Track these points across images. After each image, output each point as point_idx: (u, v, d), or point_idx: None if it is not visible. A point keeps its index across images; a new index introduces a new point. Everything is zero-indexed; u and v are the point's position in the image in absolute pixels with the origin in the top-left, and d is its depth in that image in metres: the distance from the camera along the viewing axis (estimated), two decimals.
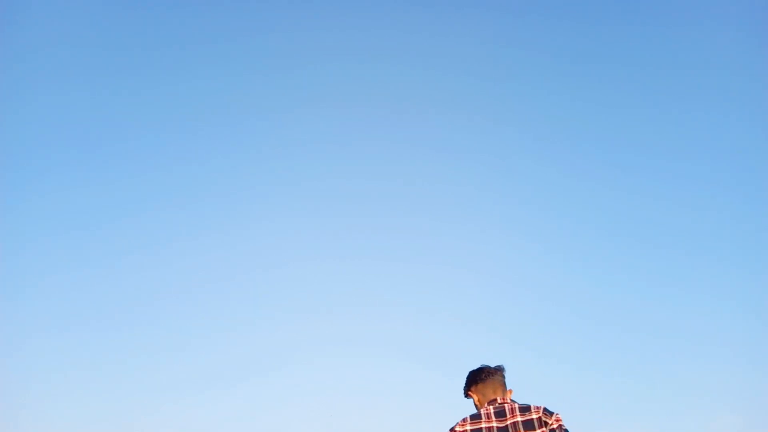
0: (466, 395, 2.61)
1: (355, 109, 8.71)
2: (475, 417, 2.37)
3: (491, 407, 2.40)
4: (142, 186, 8.47)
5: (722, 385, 5.95)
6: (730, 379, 6.10)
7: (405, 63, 8.76)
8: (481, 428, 2.31)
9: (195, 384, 7.28)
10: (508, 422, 2.31)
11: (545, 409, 2.32)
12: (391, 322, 7.72)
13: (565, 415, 2.30)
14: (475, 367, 2.63)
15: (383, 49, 8.81)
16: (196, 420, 6.84)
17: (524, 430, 2.27)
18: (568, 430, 2.25)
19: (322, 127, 8.68)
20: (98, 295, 7.90)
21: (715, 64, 7.75)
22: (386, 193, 8.59)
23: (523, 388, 2.60)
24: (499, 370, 2.61)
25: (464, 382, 2.62)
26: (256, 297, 8.19)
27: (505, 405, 2.39)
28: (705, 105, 7.96)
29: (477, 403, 2.53)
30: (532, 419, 2.28)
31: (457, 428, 2.36)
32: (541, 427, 2.25)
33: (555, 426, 2.25)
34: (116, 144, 8.50)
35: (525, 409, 2.35)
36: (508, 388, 2.60)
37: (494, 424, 2.32)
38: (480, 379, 2.57)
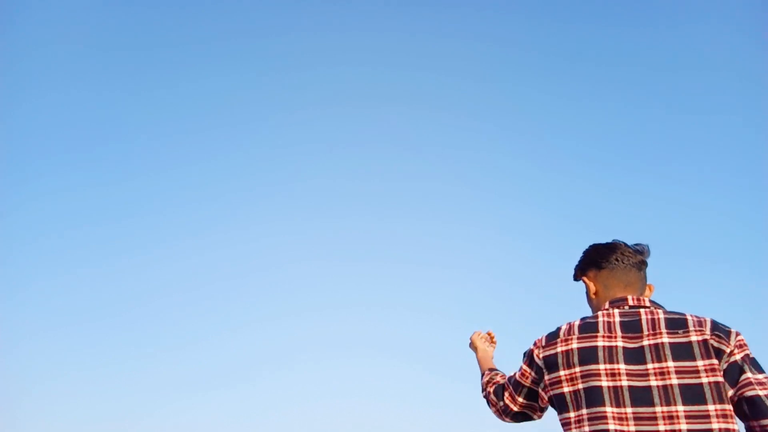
0: (578, 278, 1.71)
1: (355, 109, 8.71)
2: (587, 327, 1.49)
3: (616, 311, 1.51)
4: (142, 186, 8.47)
5: None
6: None
7: (405, 63, 8.75)
8: (595, 347, 1.43)
9: (195, 384, 7.28)
10: (646, 343, 1.40)
11: (716, 326, 1.41)
12: (392, 322, 7.72)
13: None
14: (602, 242, 1.68)
15: (383, 49, 8.81)
16: (197, 420, 6.84)
17: (674, 359, 1.36)
18: (757, 361, 1.40)
19: (322, 127, 8.68)
20: (98, 294, 7.90)
21: (715, 64, 7.75)
22: (386, 193, 8.59)
23: None
24: (640, 254, 1.64)
25: (579, 260, 1.71)
26: (256, 297, 8.19)
27: (642, 312, 1.48)
28: (705, 105, 7.96)
29: (593, 296, 1.65)
30: (690, 342, 1.37)
31: (547, 344, 1.52)
32: (710, 357, 1.35)
33: (738, 356, 1.37)
34: (116, 144, 8.50)
35: (677, 322, 1.42)
36: (648, 283, 1.65)
37: (619, 344, 1.42)
38: (606, 260, 1.62)
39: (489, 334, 2.07)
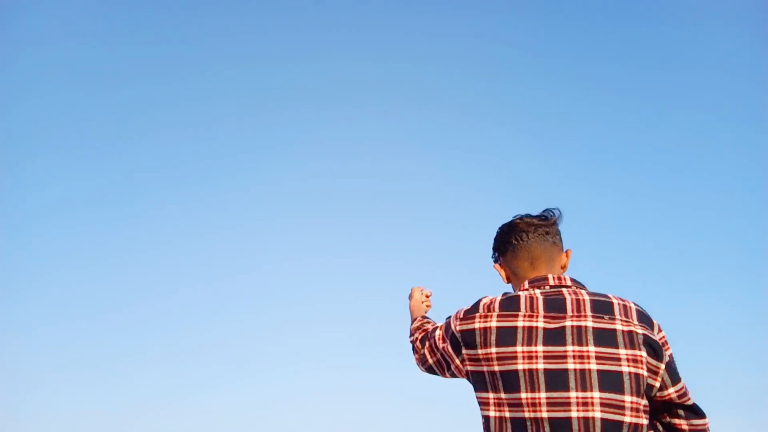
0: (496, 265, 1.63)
1: (355, 109, 8.71)
2: (509, 304, 1.38)
3: (537, 291, 1.41)
4: (141, 185, 8.47)
5: (722, 385, 5.95)
6: (730, 379, 6.10)
7: (405, 63, 8.75)
8: (515, 327, 1.33)
9: (195, 383, 7.28)
10: (568, 324, 1.31)
11: (641, 314, 1.34)
12: (392, 322, 7.71)
13: None
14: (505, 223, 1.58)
15: (383, 48, 8.81)
16: (196, 418, 6.84)
17: (596, 344, 1.28)
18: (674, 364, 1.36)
19: (322, 127, 8.68)
20: (98, 294, 7.91)
21: (715, 64, 7.75)
22: (387, 193, 8.59)
23: None
24: (546, 221, 1.52)
25: (492, 245, 1.62)
26: (256, 297, 8.18)
27: (565, 291, 1.39)
28: (705, 105, 7.96)
29: (506, 282, 1.59)
30: (615, 330, 1.29)
31: (465, 317, 1.42)
32: (633, 347, 1.27)
33: (666, 358, 1.31)
34: (116, 143, 8.50)
35: (603, 306, 1.34)
36: (566, 249, 1.55)
37: (540, 324, 1.32)
38: (506, 242, 1.54)
39: (427, 295, 2.02)
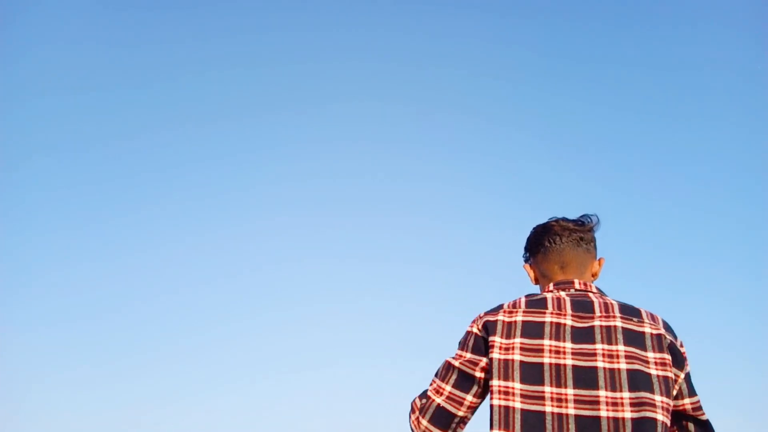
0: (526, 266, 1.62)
1: (355, 109, 8.71)
2: (535, 303, 1.38)
3: (563, 293, 1.41)
4: (141, 185, 8.48)
5: (722, 385, 5.96)
6: (730, 379, 6.11)
7: (405, 63, 8.76)
8: (543, 322, 1.32)
9: (195, 383, 7.29)
10: (597, 324, 1.31)
11: (667, 324, 1.36)
12: (392, 322, 7.73)
13: None
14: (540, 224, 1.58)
15: (383, 48, 8.81)
16: (196, 418, 6.85)
17: (626, 344, 1.28)
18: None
19: (322, 127, 8.68)
20: (98, 294, 7.91)
21: (715, 64, 7.76)
22: (386, 193, 8.60)
23: None
24: (581, 227, 1.52)
25: (525, 244, 1.61)
26: (257, 297, 8.19)
27: (591, 295, 1.40)
28: (705, 105, 7.97)
29: (534, 284, 1.59)
30: (644, 333, 1.29)
31: (489, 317, 1.38)
32: (661, 351, 1.28)
33: (686, 369, 1.33)
34: (116, 142, 8.50)
35: (631, 310, 1.35)
36: (599, 257, 1.54)
37: (568, 322, 1.32)
38: (538, 244, 1.53)
39: None
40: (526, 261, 1.61)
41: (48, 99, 8.24)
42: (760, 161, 7.35)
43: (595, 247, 1.53)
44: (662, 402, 1.23)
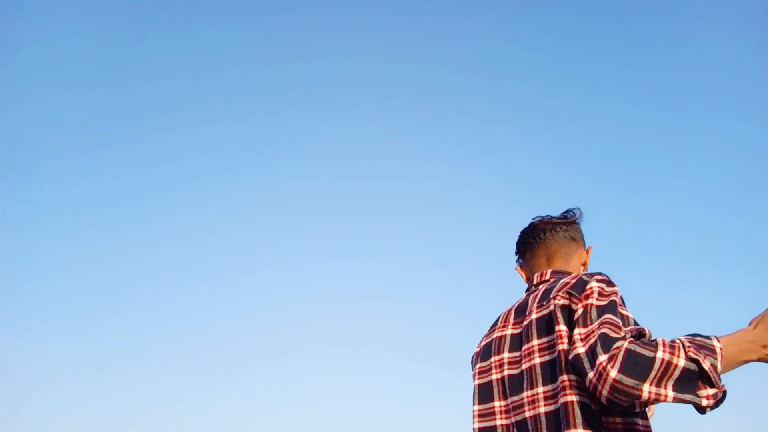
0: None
1: (355, 109, 8.71)
2: (495, 321, 1.45)
3: (526, 294, 1.44)
4: (141, 185, 8.47)
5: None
6: (729, 379, 6.11)
7: (405, 63, 8.75)
8: (491, 341, 1.37)
9: (195, 382, 7.29)
10: (525, 323, 1.30)
11: (577, 282, 1.22)
12: (391, 322, 7.73)
13: None
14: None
15: (383, 48, 8.81)
16: (196, 418, 6.84)
17: (538, 336, 1.23)
18: (605, 305, 1.15)
19: (322, 127, 8.68)
20: (98, 294, 7.91)
21: (715, 64, 7.76)
22: (386, 193, 8.60)
23: None
24: (565, 220, 1.51)
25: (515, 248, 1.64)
26: (256, 297, 8.19)
27: (540, 287, 1.37)
28: (705, 105, 7.97)
29: (526, 282, 1.58)
30: (551, 312, 1.22)
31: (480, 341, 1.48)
32: (559, 323, 1.18)
33: (580, 310, 1.15)
34: (115, 141, 8.50)
35: (543, 295, 1.29)
36: (588, 246, 1.54)
37: (508, 332, 1.34)
38: (524, 244, 1.55)
39: None
40: (516, 263, 1.65)
41: (47, 99, 8.24)
42: (760, 161, 7.35)
43: (581, 237, 1.55)
44: (569, 381, 1.14)
